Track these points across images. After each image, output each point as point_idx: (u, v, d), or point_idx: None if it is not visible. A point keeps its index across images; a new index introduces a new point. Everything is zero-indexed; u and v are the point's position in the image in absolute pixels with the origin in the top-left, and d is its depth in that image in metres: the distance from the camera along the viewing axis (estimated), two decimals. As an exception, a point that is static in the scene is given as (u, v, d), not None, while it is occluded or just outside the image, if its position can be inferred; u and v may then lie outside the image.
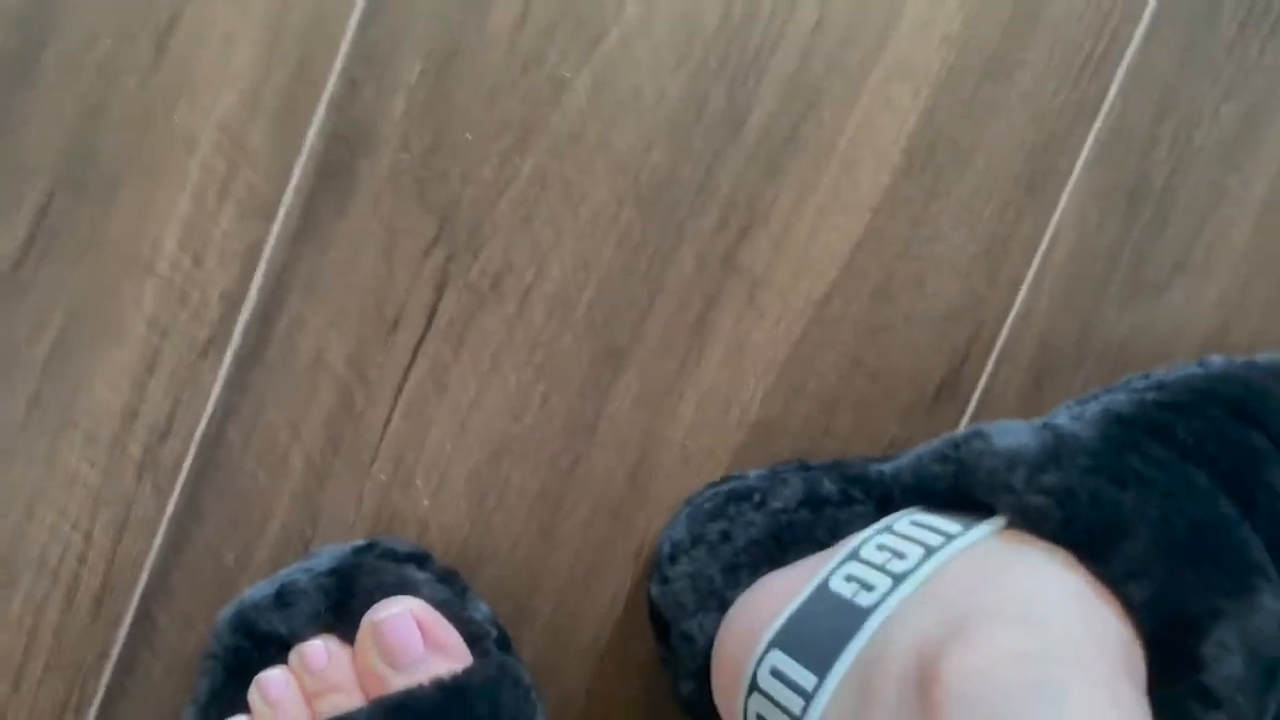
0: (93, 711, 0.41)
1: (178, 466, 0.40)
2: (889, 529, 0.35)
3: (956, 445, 0.35)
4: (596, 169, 0.40)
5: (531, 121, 0.40)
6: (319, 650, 0.37)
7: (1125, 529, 0.31)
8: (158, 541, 0.40)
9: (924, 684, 0.30)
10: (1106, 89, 0.41)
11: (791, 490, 0.38)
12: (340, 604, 0.38)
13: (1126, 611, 0.31)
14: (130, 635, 0.41)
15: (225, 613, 0.39)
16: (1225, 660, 0.30)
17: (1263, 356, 0.38)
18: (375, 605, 0.37)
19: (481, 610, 0.39)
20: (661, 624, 0.39)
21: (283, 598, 0.38)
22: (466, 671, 0.36)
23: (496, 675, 0.37)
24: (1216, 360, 0.38)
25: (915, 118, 0.40)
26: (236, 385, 0.40)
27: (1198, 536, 0.31)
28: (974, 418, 0.42)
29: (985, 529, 0.34)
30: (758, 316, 0.41)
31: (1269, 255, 0.42)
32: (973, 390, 0.42)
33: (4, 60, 0.38)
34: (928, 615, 0.32)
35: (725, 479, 0.40)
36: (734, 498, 0.39)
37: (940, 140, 0.41)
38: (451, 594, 0.39)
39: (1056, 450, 0.33)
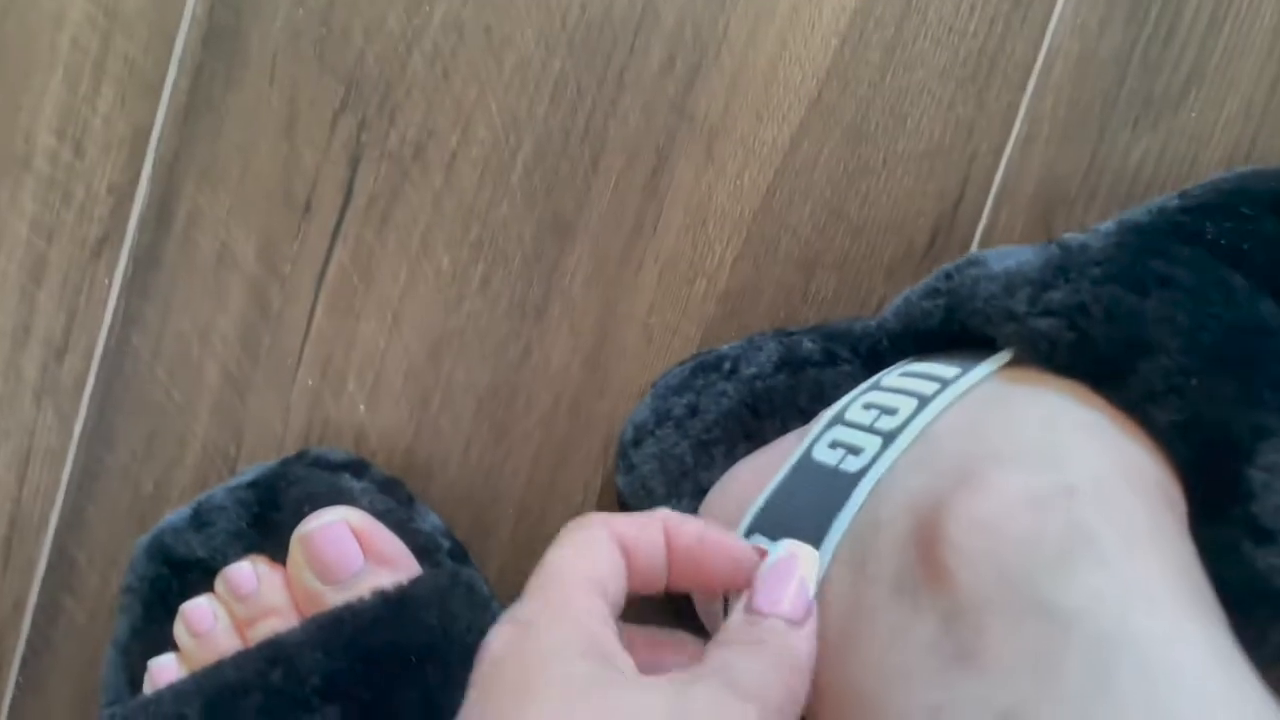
0: (13, 668, 0.36)
1: (80, 386, 0.35)
2: (876, 385, 0.30)
3: (949, 275, 0.30)
4: (518, 9, 0.35)
5: (441, -38, 0.34)
6: (246, 573, 0.32)
7: (1150, 343, 0.26)
8: (66, 473, 0.36)
9: (925, 544, 0.25)
10: (1098, -125, 0.35)
11: (766, 354, 0.33)
12: (264, 518, 0.33)
13: (1157, 442, 0.26)
14: (46, 581, 0.36)
15: (141, 540, 0.34)
16: (1275, 485, 0.25)
17: None
18: (306, 518, 0.32)
19: (430, 521, 0.35)
20: None
21: (200, 516, 0.33)
22: (412, 582, 0.32)
23: (448, 584, 0.32)
24: (1239, 170, 0.33)
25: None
26: (136, 289, 0.35)
27: (1236, 343, 0.26)
28: (973, 268, 0.36)
29: (986, 368, 0.28)
30: (718, 171, 0.36)
31: (1298, 54, 0.36)
32: (970, 237, 0.36)
33: None
34: (926, 472, 0.26)
35: (695, 355, 0.35)
36: (702, 369, 0.34)
37: (910, -52, 0.35)
38: (395, 504, 0.34)
39: (1064, 264, 0.28)
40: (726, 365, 0.33)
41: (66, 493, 0.36)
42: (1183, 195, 0.31)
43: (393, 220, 0.35)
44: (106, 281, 0.35)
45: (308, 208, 0.35)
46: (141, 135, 0.35)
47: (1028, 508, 0.24)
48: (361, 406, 0.36)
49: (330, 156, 0.35)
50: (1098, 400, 0.27)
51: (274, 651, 0.31)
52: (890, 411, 0.28)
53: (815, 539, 0.27)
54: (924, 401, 0.28)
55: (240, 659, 0.31)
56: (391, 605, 0.31)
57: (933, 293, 0.30)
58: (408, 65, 0.35)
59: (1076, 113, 0.36)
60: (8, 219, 0.35)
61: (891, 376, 0.30)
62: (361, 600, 0.31)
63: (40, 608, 0.36)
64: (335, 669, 0.30)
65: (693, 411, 0.33)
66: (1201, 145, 0.37)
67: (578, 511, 0.37)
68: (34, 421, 0.35)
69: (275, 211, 0.35)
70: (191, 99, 0.35)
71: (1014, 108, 0.36)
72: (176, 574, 0.33)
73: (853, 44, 0.35)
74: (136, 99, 0.34)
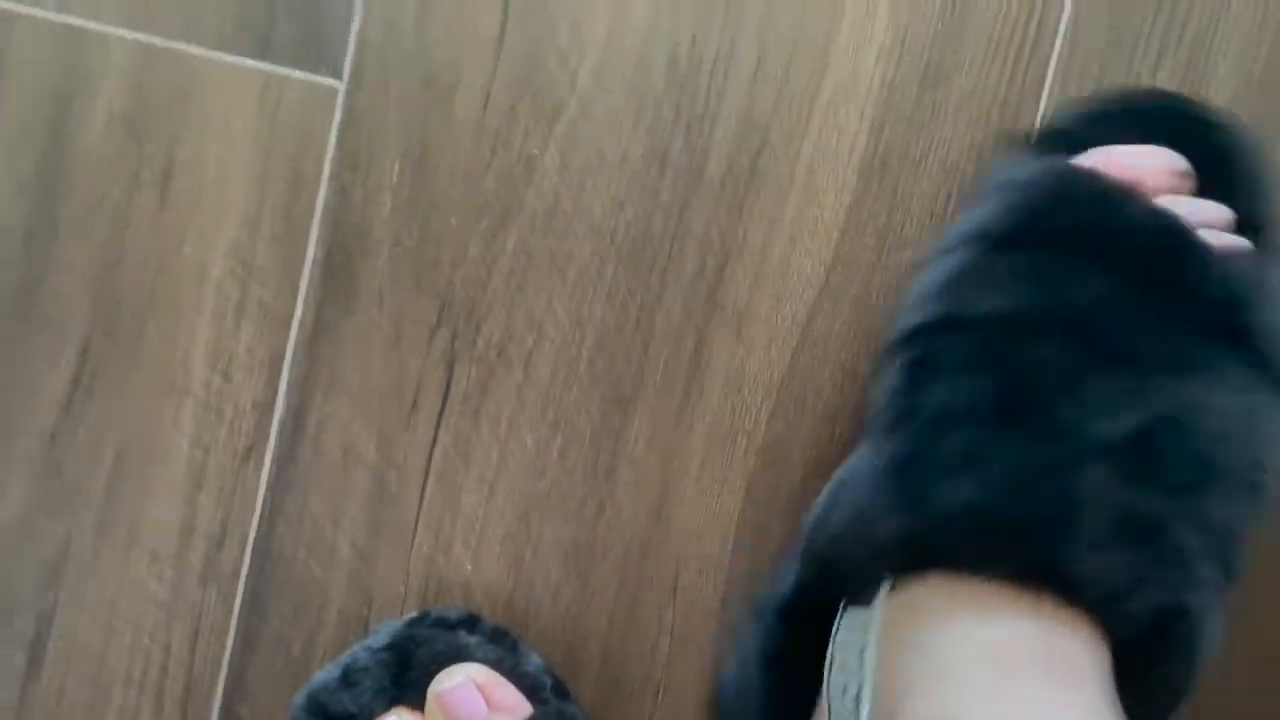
0: (194, 809, 0.42)
1: (237, 571, 0.41)
2: (834, 641, 0.35)
3: (807, 523, 0.36)
4: (576, 233, 0.41)
5: (508, 199, 0.41)
6: None
7: (1010, 535, 0.30)
8: (230, 643, 0.42)
9: None
10: (1045, 70, 0.41)
11: (743, 667, 0.39)
12: (402, 676, 0.39)
13: (1058, 601, 0.30)
14: (218, 733, 0.42)
15: (298, 699, 0.40)
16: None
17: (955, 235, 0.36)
18: (437, 676, 0.38)
19: (534, 662, 0.40)
20: None
21: (348, 677, 0.39)
22: None
23: None
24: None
25: (864, 136, 0.41)
26: (279, 486, 0.41)
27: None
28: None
29: (878, 604, 0.33)
30: (748, 347, 0.41)
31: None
32: (967, 381, 0.42)
33: (24, 227, 0.40)
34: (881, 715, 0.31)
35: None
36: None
37: (891, 153, 0.41)
38: (504, 651, 0.40)
39: (886, 484, 0.32)
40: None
41: (230, 659, 0.42)
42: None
43: (484, 410, 0.41)
44: (255, 482, 0.41)
45: (415, 406, 0.41)
46: (277, 360, 0.41)
47: None
48: (468, 566, 0.42)
49: (430, 362, 0.41)
50: (982, 585, 0.31)
51: None
52: (850, 673, 0.33)
53: None
54: (861, 653, 0.33)
55: None
56: None
57: (802, 552, 0.36)
58: (488, 284, 0.41)
59: (1047, 272, 0.42)
60: (172, 437, 0.41)
61: (842, 632, 0.35)
62: None
63: (213, 756, 0.42)
64: None
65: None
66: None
67: (654, 644, 0.42)
68: (201, 602, 0.41)
69: (388, 411, 0.41)
70: (316, 327, 0.41)
71: (993, 274, 0.42)
72: None
73: (851, 234, 0.41)
74: (271, 331, 0.41)
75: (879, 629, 0.32)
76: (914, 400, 0.32)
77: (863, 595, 0.34)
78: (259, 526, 0.41)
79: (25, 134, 0.40)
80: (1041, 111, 0.41)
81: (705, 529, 0.42)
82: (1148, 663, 0.31)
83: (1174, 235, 0.33)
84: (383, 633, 0.40)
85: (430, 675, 0.38)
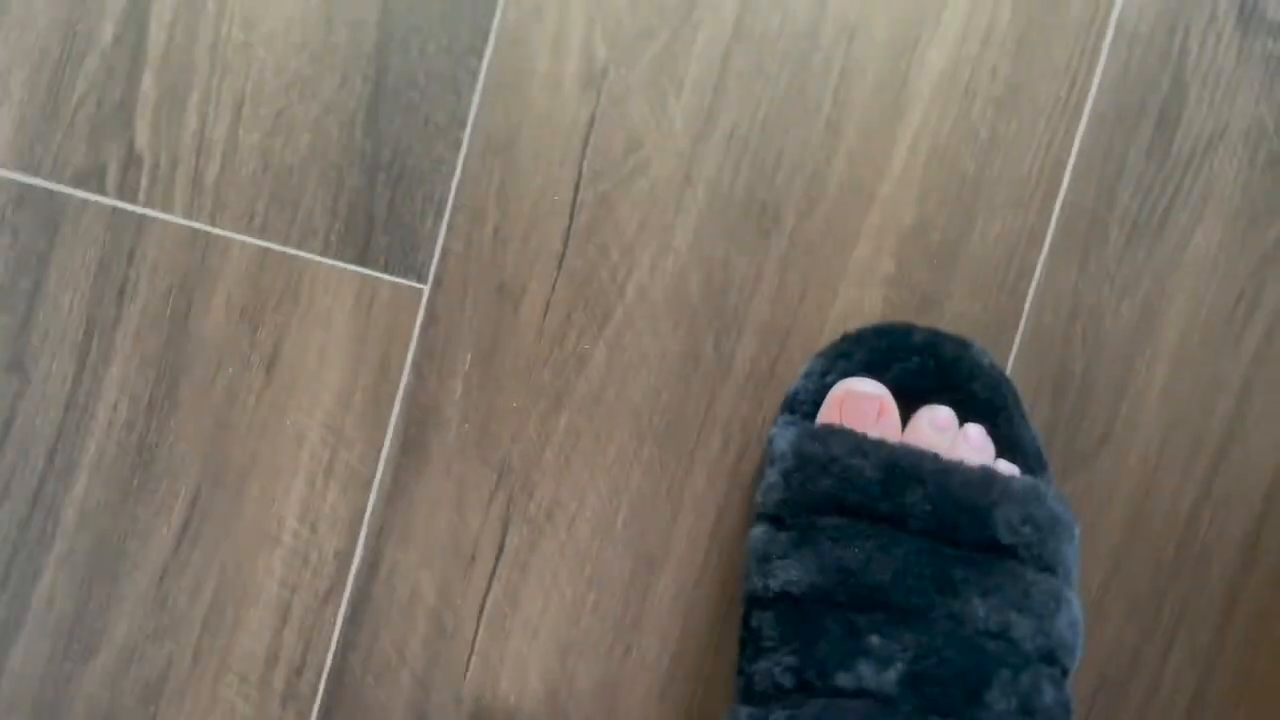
0: None
1: (313, 694, 0.48)
2: None
3: None
4: (618, 418, 0.48)
5: (561, 388, 0.48)
6: None
7: None
8: (303, 755, 0.48)
9: None
10: (1023, 303, 0.48)
11: None
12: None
13: None
14: (288, 833, 0.48)
15: None
16: None
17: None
18: None
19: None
20: None
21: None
22: None
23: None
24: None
25: (869, 346, 0.48)
26: (353, 623, 0.48)
27: None
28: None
29: None
30: (763, 517, 0.48)
31: (1179, 417, 0.48)
32: (948, 556, 0.49)
33: (148, 396, 0.47)
34: None
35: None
36: None
37: (892, 361, 0.48)
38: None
39: None
40: None
41: (303, 770, 0.48)
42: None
43: (531, 565, 0.48)
44: (332, 619, 0.48)
45: (472, 558, 0.48)
46: (358, 515, 0.48)
47: None
48: (511, 699, 0.48)
49: (488, 522, 0.48)
50: None
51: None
52: None
53: None
54: None
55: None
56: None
57: None
58: (541, 458, 0.48)
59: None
60: (264, 580, 0.47)
61: None
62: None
63: None
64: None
65: None
66: (1114, 486, 0.48)
67: (671, 770, 0.48)
68: (280, 719, 0.48)
69: (450, 562, 0.48)
70: (393, 488, 0.48)
71: (973, 467, 0.48)
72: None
73: (855, 427, 0.48)
74: (355, 491, 0.48)
75: None
76: (750, 678, 0.41)
77: None
78: (334, 657, 0.48)
79: (153, 319, 0.47)
80: (1018, 338, 0.48)
81: (716, 665, 0.48)
82: None
83: (909, 472, 0.41)
84: None
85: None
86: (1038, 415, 0.48)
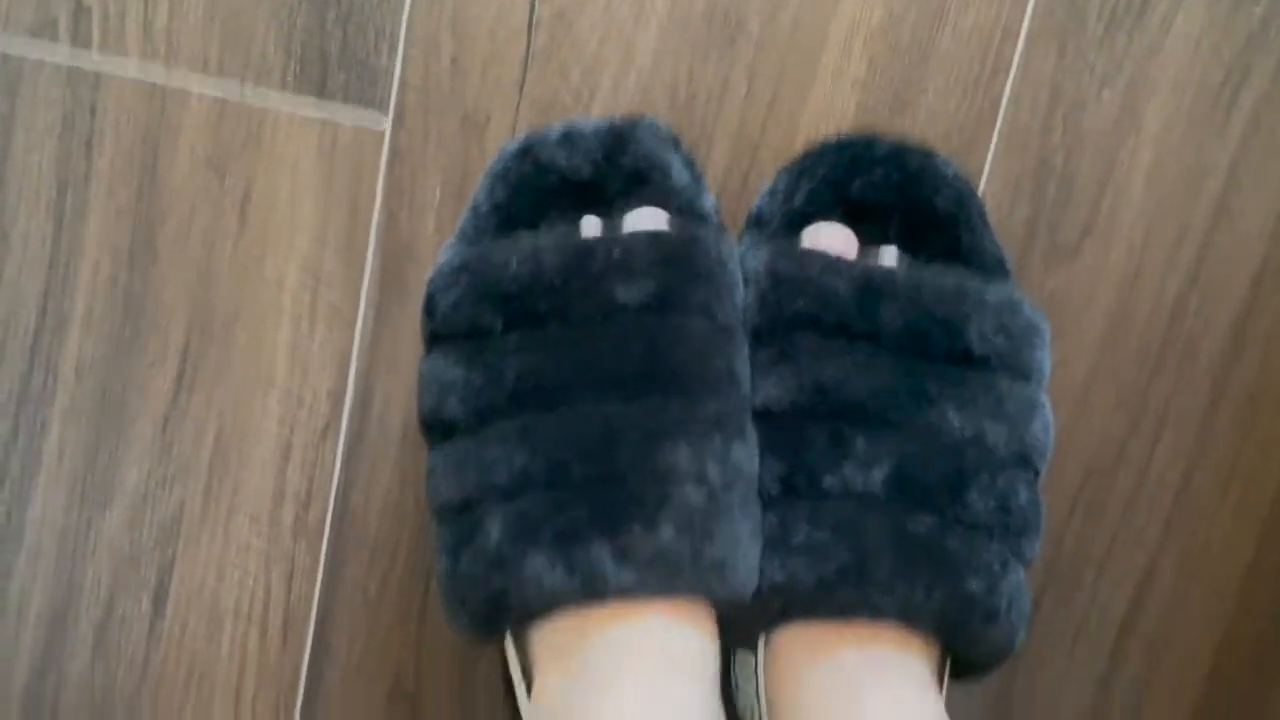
0: (297, 711, 0.50)
1: (321, 528, 0.49)
2: (736, 687, 0.42)
3: None
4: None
5: (535, 216, 0.46)
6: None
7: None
8: (318, 583, 0.49)
9: None
10: (1000, 96, 0.46)
11: None
12: (615, 159, 0.41)
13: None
14: (313, 655, 0.50)
15: (511, 145, 0.42)
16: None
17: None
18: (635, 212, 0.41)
19: (709, 202, 0.43)
20: None
21: (569, 138, 0.41)
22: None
23: (717, 234, 0.41)
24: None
25: (841, 153, 0.46)
26: (352, 457, 0.48)
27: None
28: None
29: (760, 657, 0.40)
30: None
31: (1163, 205, 0.46)
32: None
33: (131, 249, 0.47)
34: None
35: None
36: None
37: (866, 167, 0.46)
38: (692, 180, 0.42)
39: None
40: None
41: (320, 597, 0.49)
42: None
43: (520, 393, 0.48)
44: (332, 455, 0.48)
45: (461, 391, 0.48)
46: (345, 353, 0.48)
47: None
48: (511, 520, 0.49)
49: (472, 355, 0.48)
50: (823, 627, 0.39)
51: (613, 238, 0.39)
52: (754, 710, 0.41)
53: None
54: (757, 700, 0.40)
55: (588, 238, 0.40)
56: (688, 235, 0.40)
57: None
58: (519, 288, 0.47)
59: (1000, 267, 0.47)
60: (261, 423, 0.48)
61: (738, 674, 0.42)
62: (668, 231, 0.40)
63: (310, 674, 0.50)
64: (657, 258, 0.39)
65: None
66: (1098, 281, 0.47)
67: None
68: (293, 552, 0.49)
69: (439, 396, 0.48)
70: (376, 324, 0.47)
71: (953, 270, 0.47)
72: (539, 173, 0.42)
73: (831, 237, 0.47)
74: (339, 329, 0.47)
75: (763, 674, 0.40)
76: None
77: (747, 643, 0.41)
78: (336, 493, 0.48)
79: (122, 172, 0.46)
80: (996, 133, 0.46)
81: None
82: (960, 638, 0.38)
83: (881, 289, 0.40)
84: (603, 120, 0.42)
85: (639, 176, 0.41)
86: (1018, 212, 0.46)
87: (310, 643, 0.49)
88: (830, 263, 0.40)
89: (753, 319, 0.41)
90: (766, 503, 0.39)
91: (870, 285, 0.40)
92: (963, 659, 0.40)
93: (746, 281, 0.41)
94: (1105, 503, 0.48)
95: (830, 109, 0.45)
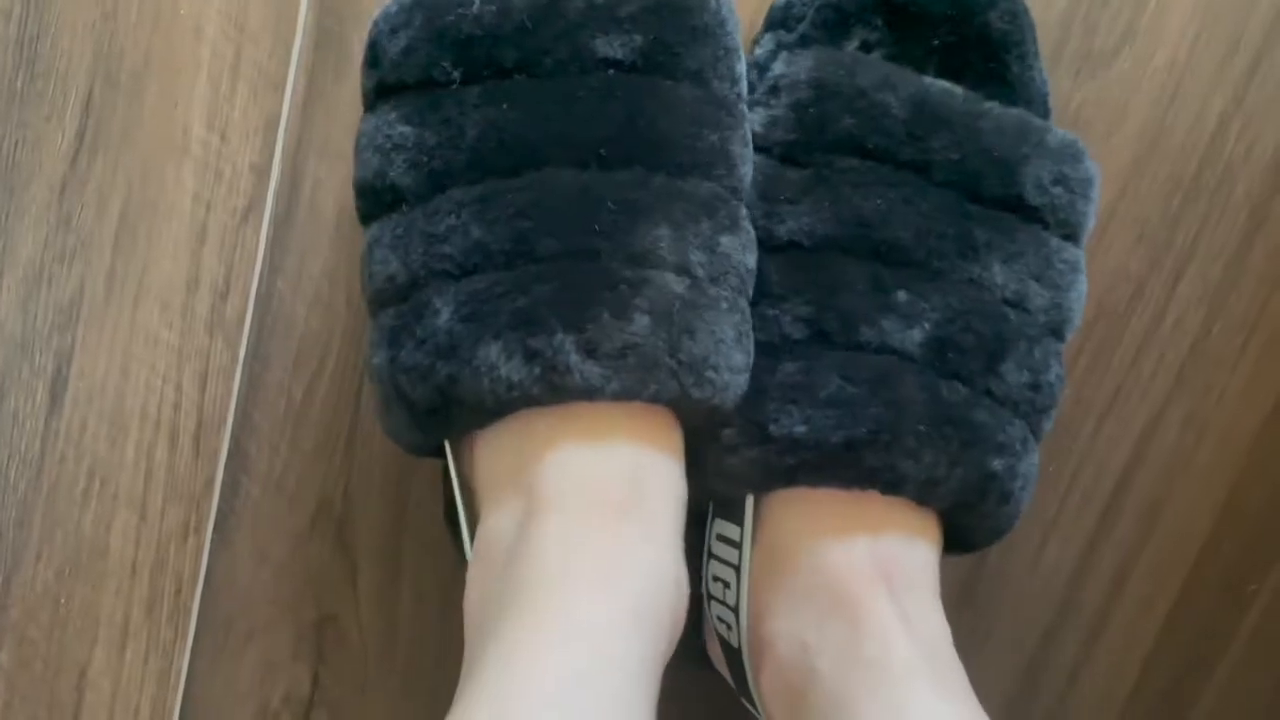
0: (208, 529, 0.45)
1: (241, 321, 0.43)
2: (710, 556, 0.38)
3: None
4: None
5: None
6: None
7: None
8: (236, 385, 0.44)
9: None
10: None
11: None
12: None
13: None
14: (228, 465, 0.44)
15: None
16: None
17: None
18: None
19: None
20: None
21: None
22: None
23: None
24: None
25: None
26: (278, 244, 0.42)
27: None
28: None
29: (748, 520, 0.36)
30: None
31: (1215, 11, 0.40)
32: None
33: (24, -22, 0.39)
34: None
35: None
36: None
37: None
38: None
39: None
40: None
41: (237, 400, 0.44)
42: None
43: (472, 181, 0.42)
44: (254, 240, 0.42)
45: (405, 174, 0.42)
46: (272, 123, 0.41)
47: (787, 671, 0.34)
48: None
49: (420, 133, 0.41)
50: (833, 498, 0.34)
51: None
52: (727, 585, 0.36)
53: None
54: (738, 572, 0.35)
55: None
56: None
57: None
58: (477, 57, 0.40)
59: (1027, 69, 0.41)
60: (174, 196, 0.41)
61: (715, 545, 0.37)
62: None
63: (224, 485, 0.44)
64: (646, 5, 0.33)
65: None
66: (1133, 92, 0.41)
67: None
68: (208, 348, 0.43)
69: (380, 179, 0.42)
70: (309, 92, 0.41)
71: (973, 69, 0.41)
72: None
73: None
74: (266, 94, 0.41)
75: (749, 548, 0.35)
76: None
77: (729, 508, 0.36)
78: (260, 281, 0.42)
79: (15, -119, 0.39)
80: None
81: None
82: (969, 517, 0.34)
83: (940, 113, 0.34)
84: None
85: None
86: (1053, 7, 0.40)
87: (225, 453, 0.44)
88: (885, 77, 0.35)
89: (784, 133, 0.35)
90: (785, 345, 0.34)
91: (926, 106, 0.34)
92: (959, 538, 0.36)
93: (776, 90, 0.35)
94: (1114, 347, 0.43)
95: None
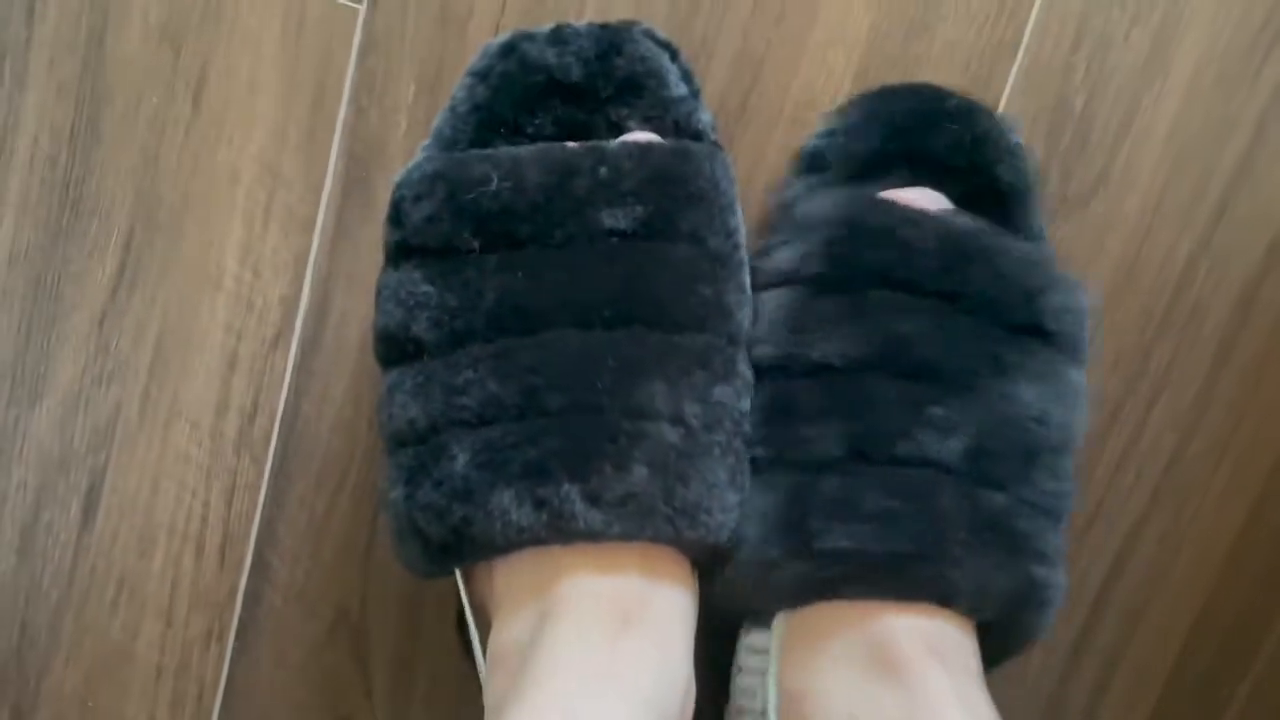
0: (230, 636, 0.47)
1: (267, 440, 0.45)
2: (740, 669, 0.39)
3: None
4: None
5: (516, 122, 0.42)
6: None
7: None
8: (261, 501, 0.46)
9: None
10: (1023, 28, 0.42)
11: None
12: (608, 61, 0.38)
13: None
14: (251, 576, 0.46)
15: (493, 43, 0.38)
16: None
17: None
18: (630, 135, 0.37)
19: (706, 118, 0.39)
20: None
21: (559, 34, 0.38)
22: (691, 143, 0.37)
23: (715, 153, 0.37)
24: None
25: (849, 79, 0.42)
26: (304, 370, 0.44)
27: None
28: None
29: (777, 632, 0.37)
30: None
31: (1184, 159, 0.43)
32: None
33: (73, 128, 0.42)
34: None
35: None
36: None
37: (875, 94, 0.42)
38: (690, 94, 0.39)
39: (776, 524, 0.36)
40: None
41: (262, 515, 0.46)
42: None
43: (488, 313, 0.44)
44: (282, 365, 0.44)
45: (425, 306, 0.44)
46: (301, 259, 0.43)
47: None
48: (471, 447, 0.45)
49: (440, 268, 0.44)
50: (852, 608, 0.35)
51: (601, 154, 0.35)
52: (754, 693, 0.37)
53: None
54: (764, 678, 0.37)
55: (573, 151, 0.36)
56: (680, 149, 0.36)
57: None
58: (494, 200, 0.43)
59: (1007, 212, 0.43)
60: (208, 325, 0.44)
61: (747, 659, 0.39)
62: (660, 141, 0.37)
63: (247, 595, 0.46)
64: (646, 177, 0.35)
65: None
66: (1107, 234, 0.44)
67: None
68: (235, 466, 0.45)
69: (401, 310, 0.44)
70: (337, 231, 0.43)
71: (958, 212, 0.44)
72: (525, 72, 0.38)
73: (832, 168, 0.43)
74: (296, 234, 0.43)
75: (778, 652, 0.36)
76: (782, 446, 0.36)
77: (760, 620, 0.38)
78: (286, 404, 0.45)
79: (67, 42, 0.41)
80: (1015, 68, 0.42)
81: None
82: (1008, 624, 0.36)
83: (966, 248, 0.36)
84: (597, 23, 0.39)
85: (632, 82, 0.38)
86: (1031, 152, 0.43)
87: (249, 564, 0.46)
88: (913, 215, 0.37)
89: (816, 267, 0.37)
90: (825, 463, 0.35)
91: (955, 242, 0.37)
92: (993, 649, 0.37)
93: (808, 227, 0.38)
94: (1094, 465, 0.46)
95: (842, 29, 0.42)
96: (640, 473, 0.33)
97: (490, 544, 0.34)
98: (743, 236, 0.38)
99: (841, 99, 0.42)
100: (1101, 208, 0.43)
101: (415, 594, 0.46)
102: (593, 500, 0.33)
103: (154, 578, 0.46)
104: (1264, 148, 0.42)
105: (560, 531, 0.33)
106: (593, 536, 0.33)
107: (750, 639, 0.38)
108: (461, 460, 0.34)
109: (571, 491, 0.33)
